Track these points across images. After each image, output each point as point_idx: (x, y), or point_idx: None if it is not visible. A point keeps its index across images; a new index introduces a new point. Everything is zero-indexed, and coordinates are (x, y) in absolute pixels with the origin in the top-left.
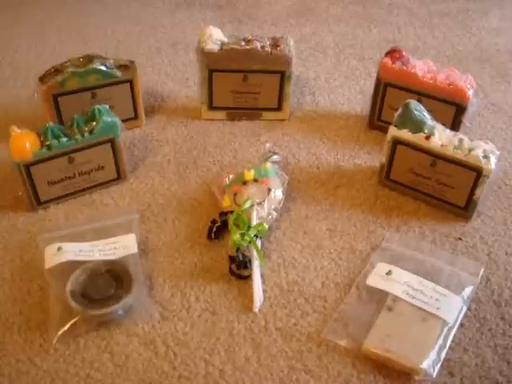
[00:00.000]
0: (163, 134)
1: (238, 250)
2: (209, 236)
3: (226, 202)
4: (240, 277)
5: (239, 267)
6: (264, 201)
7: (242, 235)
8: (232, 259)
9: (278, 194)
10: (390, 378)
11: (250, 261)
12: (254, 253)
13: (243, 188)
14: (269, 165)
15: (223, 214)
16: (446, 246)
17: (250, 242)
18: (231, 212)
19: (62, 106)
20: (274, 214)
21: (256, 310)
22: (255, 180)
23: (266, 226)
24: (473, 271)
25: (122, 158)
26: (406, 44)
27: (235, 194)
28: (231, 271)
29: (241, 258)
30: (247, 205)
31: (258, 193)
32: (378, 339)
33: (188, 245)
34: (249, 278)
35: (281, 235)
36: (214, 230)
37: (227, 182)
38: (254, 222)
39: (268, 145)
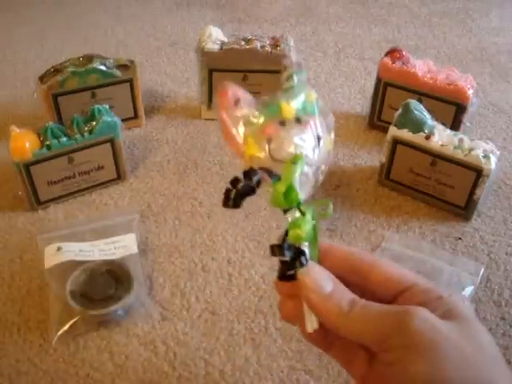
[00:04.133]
0: (163, 134)
1: (284, 242)
2: (225, 202)
3: (252, 150)
4: (289, 277)
5: (290, 266)
6: (314, 156)
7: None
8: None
9: (326, 141)
10: None
11: (302, 253)
12: (307, 249)
13: (282, 131)
14: (314, 96)
15: (250, 172)
16: (446, 246)
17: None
18: (265, 170)
19: (62, 106)
20: (321, 178)
21: (311, 330)
22: (297, 119)
23: (331, 207)
24: (473, 271)
25: (121, 157)
26: (406, 44)
27: (269, 141)
28: (284, 276)
29: (288, 255)
30: (299, 168)
31: (305, 142)
32: None
33: (188, 245)
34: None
35: None
36: (233, 195)
37: (251, 116)
38: (300, 193)
39: (293, 57)
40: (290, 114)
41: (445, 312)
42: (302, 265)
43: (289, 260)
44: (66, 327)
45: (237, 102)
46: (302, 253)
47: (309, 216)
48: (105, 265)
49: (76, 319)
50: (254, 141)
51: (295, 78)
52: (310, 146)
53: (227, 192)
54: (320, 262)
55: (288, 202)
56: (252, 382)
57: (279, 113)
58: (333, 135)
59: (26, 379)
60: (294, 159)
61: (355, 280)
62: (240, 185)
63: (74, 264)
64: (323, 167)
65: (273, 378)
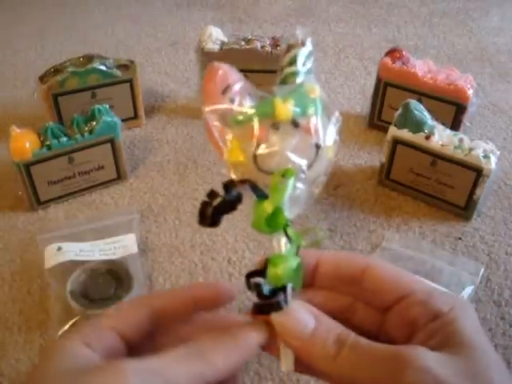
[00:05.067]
0: (163, 134)
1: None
2: (201, 220)
3: (235, 156)
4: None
5: (269, 308)
6: (310, 167)
7: (288, 260)
8: (265, 297)
9: (328, 149)
10: None
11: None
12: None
13: (274, 136)
14: (317, 91)
15: (230, 185)
16: (446, 246)
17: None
18: (249, 183)
19: (62, 106)
20: (317, 190)
21: (284, 370)
22: (294, 123)
23: (323, 234)
24: (473, 271)
25: (121, 157)
26: (406, 43)
27: (258, 146)
28: (257, 310)
29: (267, 292)
30: (289, 187)
31: (301, 151)
32: None
33: (188, 245)
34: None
35: None
36: (210, 212)
37: (237, 115)
38: (288, 212)
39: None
40: (285, 116)
41: (446, 338)
42: (280, 307)
43: (268, 296)
44: (66, 327)
45: (226, 89)
46: (283, 290)
47: (292, 249)
48: (105, 265)
49: (76, 319)
50: (238, 145)
51: (299, 62)
52: (307, 158)
53: (203, 208)
54: (305, 283)
55: (272, 227)
56: (252, 381)
57: (273, 113)
58: (337, 137)
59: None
60: (285, 173)
61: (349, 290)
62: (217, 200)
63: (74, 264)
64: (322, 178)
65: (273, 378)
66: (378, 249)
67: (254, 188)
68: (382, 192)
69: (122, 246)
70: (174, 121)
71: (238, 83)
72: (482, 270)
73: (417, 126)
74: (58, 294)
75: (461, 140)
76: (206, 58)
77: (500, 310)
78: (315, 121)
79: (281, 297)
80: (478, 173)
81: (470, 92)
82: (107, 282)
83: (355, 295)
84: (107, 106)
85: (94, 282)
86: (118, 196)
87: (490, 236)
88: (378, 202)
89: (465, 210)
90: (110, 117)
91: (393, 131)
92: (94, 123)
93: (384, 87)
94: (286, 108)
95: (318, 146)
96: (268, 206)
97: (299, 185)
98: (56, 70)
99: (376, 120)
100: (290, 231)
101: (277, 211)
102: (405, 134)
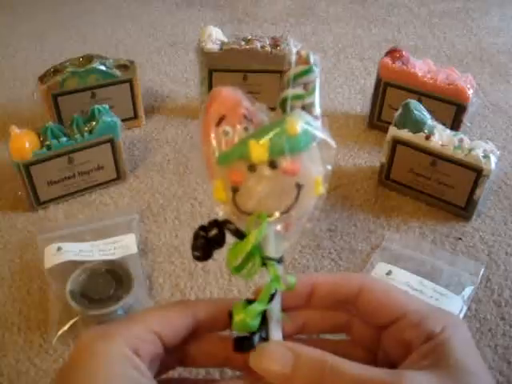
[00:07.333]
0: (163, 134)
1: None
2: (195, 254)
3: (219, 194)
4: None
5: (244, 345)
6: (288, 210)
7: (248, 311)
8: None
9: (314, 186)
10: None
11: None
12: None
13: (251, 179)
14: (297, 127)
15: (215, 223)
16: (446, 246)
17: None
18: (226, 223)
19: (62, 106)
20: (308, 225)
21: None
22: (272, 164)
23: (293, 280)
24: (473, 271)
25: (121, 157)
26: (405, 43)
27: (236, 190)
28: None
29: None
30: (262, 231)
31: (279, 193)
32: None
33: (188, 245)
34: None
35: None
36: (202, 243)
37: (220, 156)
38: (271, 251)
39: (296, 49)
40: (259, 158)
41: (437, 359)
42: (252, 347)
43: (248, 335)
44: (65, 327)
45: (221, 120)
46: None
47: (265, 295)
48: (105, 265)
49: (76, 319)
50: (222, 184)
51: (292, 88)
52: (285, 200)
53: (195, 240)
54: (301, 306)
55: (245, 270)
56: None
57: (248, 155)
58: (329, 168)
59: (26, 379)
60: (259, 216)
61: (345, 309)
62: (200, 241)
63: (74, 264)
64: (315, 212)
65: None
66: (378, 249)
67: (232, 231)
68: (382, 192)
69: (121, 246)
70: (173, 121)
71: (235, 113)
72: (482, 270)
73: (417, 125)
74: (58, 294)
75: (461, 140)
76: (206, 58)
77: (500, 310)
78: (295, 160)
79: (255, 337)
80: (478, 173)
81: (470, 92)
82: (107, 282)
83: (351, 313)
84: (107, 106)
85: (94, 282)
86: (118, 196)
87: (490, 236)
88: (377, 202)
89: (465, 210)
90: (109, 117)
91: (393, 131)
92: (94, 123)
93: (384, 87)
94: (261, 149)
95: (299, 186)
96: (240, 249)
97: (277, 227)
98: (56, 70)
99: (376, 120)
100: (271, 271)
101: (251, 254)
102: (405, 134)
